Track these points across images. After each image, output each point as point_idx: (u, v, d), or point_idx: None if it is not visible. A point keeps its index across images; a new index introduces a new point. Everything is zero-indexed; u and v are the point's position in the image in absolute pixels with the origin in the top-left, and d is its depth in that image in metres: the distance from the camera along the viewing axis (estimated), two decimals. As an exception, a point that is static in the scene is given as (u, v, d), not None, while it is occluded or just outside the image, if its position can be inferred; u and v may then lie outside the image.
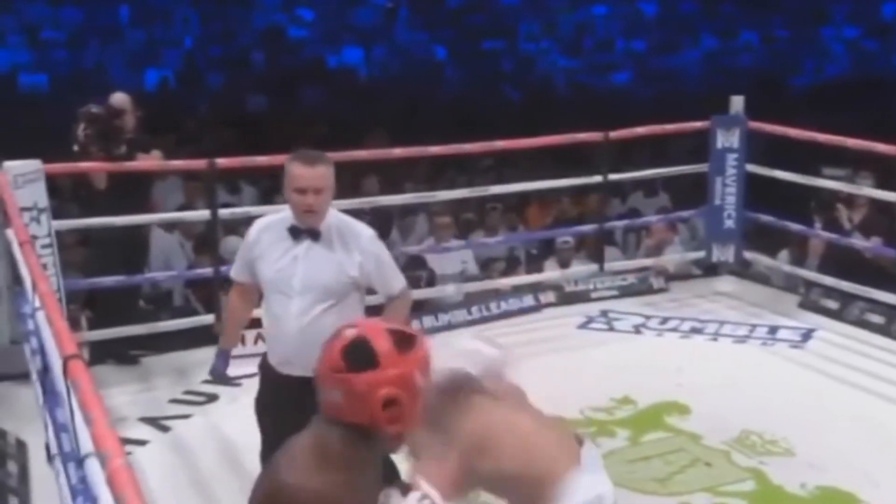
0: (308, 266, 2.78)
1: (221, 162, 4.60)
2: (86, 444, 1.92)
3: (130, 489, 1.46)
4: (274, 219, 2.89)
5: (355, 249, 2.81)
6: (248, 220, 7.34)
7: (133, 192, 4.52)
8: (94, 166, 4.38)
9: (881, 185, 5.12)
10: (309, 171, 2.74)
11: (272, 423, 2.82)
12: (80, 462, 2.21)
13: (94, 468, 1.86)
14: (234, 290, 3.00)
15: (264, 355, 2.93)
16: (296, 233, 2.80)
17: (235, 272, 2.97)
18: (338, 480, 1.69)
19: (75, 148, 4.39)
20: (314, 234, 2.79)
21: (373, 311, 2.99)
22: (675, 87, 12.46)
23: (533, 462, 2.15)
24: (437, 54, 13.80)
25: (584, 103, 11.24)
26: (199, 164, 4.64)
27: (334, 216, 2.85)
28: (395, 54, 13.42)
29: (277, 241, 2.82)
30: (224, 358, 3.04)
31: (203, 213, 4.82)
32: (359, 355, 1.73)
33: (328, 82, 11.96)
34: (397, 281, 2.93)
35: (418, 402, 1.75)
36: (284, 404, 2.74)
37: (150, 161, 4.55)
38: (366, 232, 2.87)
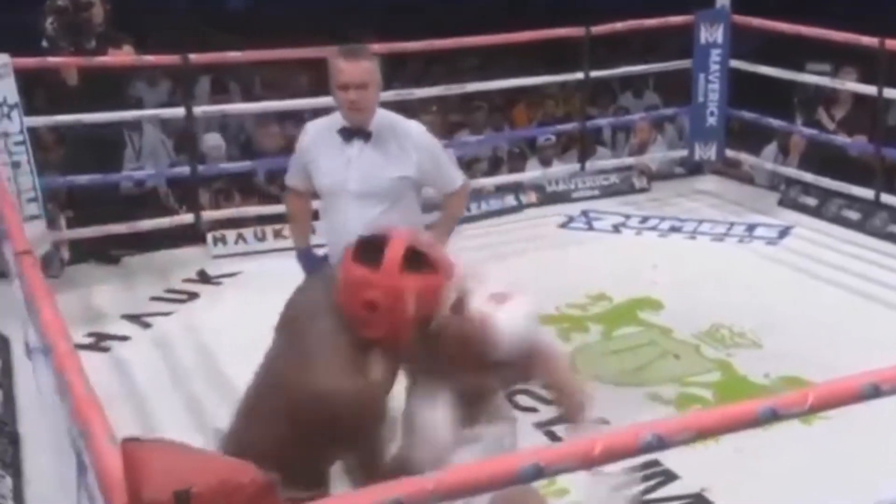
0: (362, 168, 2.69)
1: (195, 58, 4.53)
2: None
3: (73, 373, 1.49)
4: (325, 121, 2.80)
5: (410, 147, 2.71)
6: (226, 118, 7.23)
7: (106, 88, 4.45)
8: (64, 61, 4.31)
9: (864, 80, 5.06)
10: (352, 66, 2.63)
11: None
12: (44, 353, 2.26)
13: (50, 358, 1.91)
14: (291, 196, 2.93)
15: (326, 258, 2.85)
16: (347, 134, 2.71)
17: (291, 178, 2.89)
18: (366, 383, 1.70)
19: (44, 43, 4.31)
20: (365, 135, 2.70)
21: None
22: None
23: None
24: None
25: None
26: (173, 59, 4.57)
27: (383, 115, 2.74)
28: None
29: (330, 144, 2.73)
30: (308, 256, 2.91)
31: (178, 111, 4.77)
32: (368, 251, 1.73)
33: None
34: (456, 174, 2.85)
35: (400, 322, 1.73)
36: None
37: (122, 56, 4.47)
38: (417, 127, 2.78)
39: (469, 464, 1.38)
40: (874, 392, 1.44)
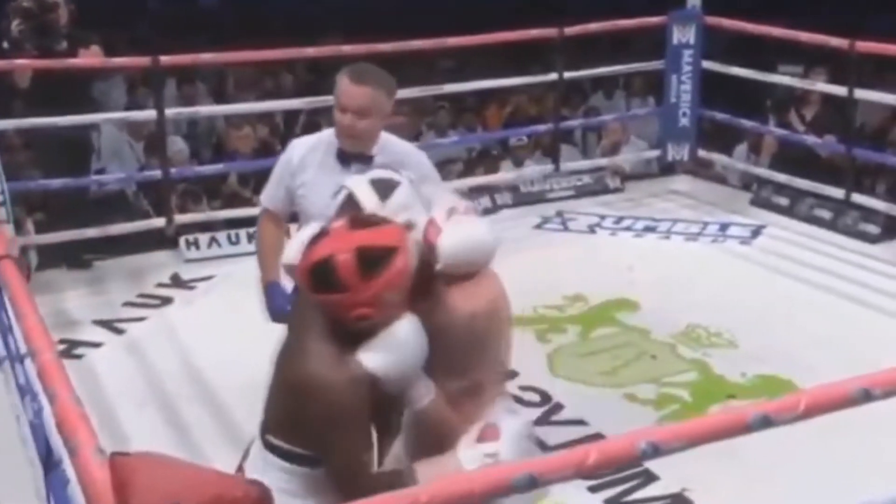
0: None
1: (166, 59, 4.47)
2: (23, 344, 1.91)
3: (60, 382, 1.46)
4: (315, 140, 2.59)
5: (415, 172, 2.47)
6: (195, 121, 7.12)
7: (71, 89, 4.37)
8: (31, 63, 4.22)
9: (833, 81, 5.12)
10: (354, 89, 2.43)
11: None
12: (21, 361, 2.20)
13: (31, 366, 1.87)
14: (267, 218, 2.65)
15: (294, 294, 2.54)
16: (345, 158, 2.51)
17: (271, 200, 2.64)
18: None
19: (5, 45, 4.22)
20: (366, 160, 2.47)
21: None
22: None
23: None
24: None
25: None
26: (143, 61, 4.50)
27: (393, 141, 2.57)
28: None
29: (324, 165, 2.53)
30: (276, 293, 2.57)
31: (150, 113, 4.70)
32: (324, 278, 1.69)
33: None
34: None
35: (392, 310, 1.71)
36: None
37: (90, 57, 4.39)
38: (418, 152, 2.64)
39: (461, 475, 1.36)
40: (865, 397, 1.45)
